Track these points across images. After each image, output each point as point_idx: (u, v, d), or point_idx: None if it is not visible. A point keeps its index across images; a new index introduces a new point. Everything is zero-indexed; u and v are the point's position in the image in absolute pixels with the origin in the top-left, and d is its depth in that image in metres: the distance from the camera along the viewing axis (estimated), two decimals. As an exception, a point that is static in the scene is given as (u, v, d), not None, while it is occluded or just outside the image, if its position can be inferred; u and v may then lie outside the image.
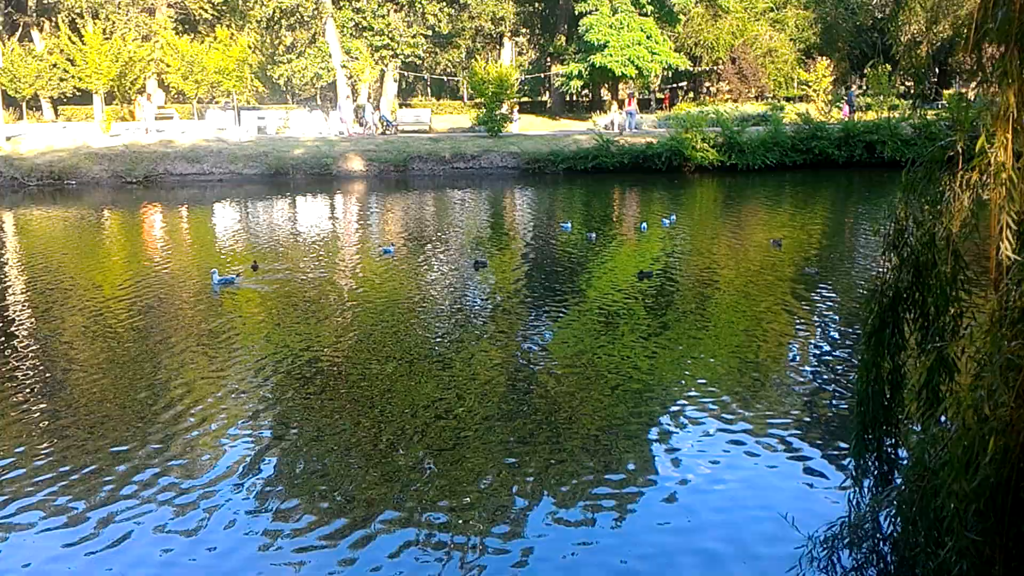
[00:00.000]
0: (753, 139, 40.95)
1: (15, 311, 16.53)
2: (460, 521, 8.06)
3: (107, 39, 52.08)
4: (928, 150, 5.89)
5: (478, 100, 48.82)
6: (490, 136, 45.47)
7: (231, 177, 39.64)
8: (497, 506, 8.39)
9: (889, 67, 48.10)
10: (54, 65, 56.45)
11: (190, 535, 7.90)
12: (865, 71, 58.88)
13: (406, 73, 64.39)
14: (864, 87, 60.53)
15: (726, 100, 59.65)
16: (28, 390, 11.84)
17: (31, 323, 15.64)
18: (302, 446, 9.90)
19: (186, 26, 64.93)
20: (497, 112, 46.26)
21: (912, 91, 57.68)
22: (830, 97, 50.58)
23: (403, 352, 13.38)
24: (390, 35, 54.23)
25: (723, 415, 10.63)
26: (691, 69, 63.22)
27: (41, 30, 63.09)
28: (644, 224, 25.03)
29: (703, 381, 11.97)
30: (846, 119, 44.76)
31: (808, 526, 6.87)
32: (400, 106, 59.22)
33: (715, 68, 64.92)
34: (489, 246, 23.47)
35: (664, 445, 9.83)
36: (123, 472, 9.16)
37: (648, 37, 54.91)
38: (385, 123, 50.66)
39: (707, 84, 69.38)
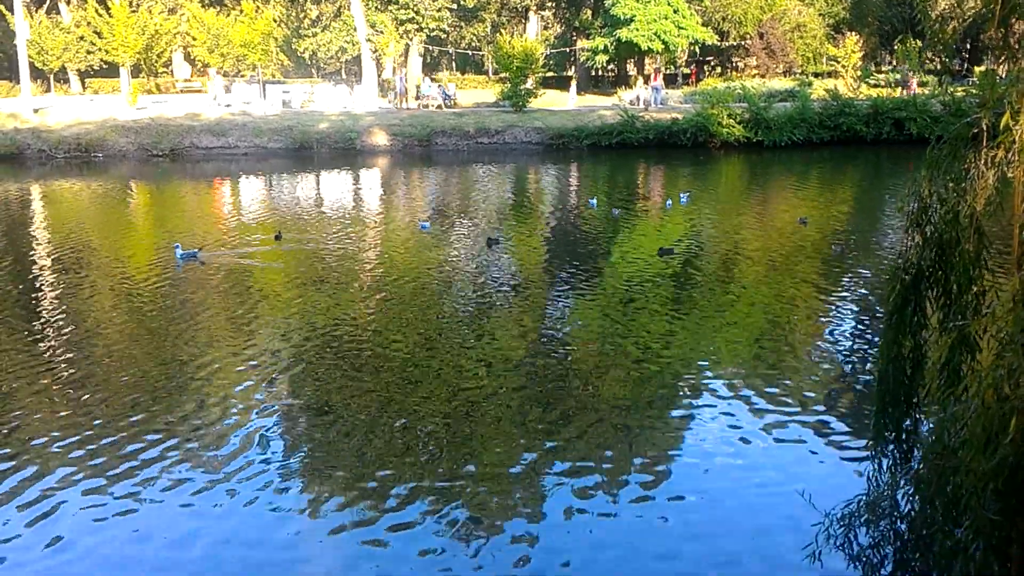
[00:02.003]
0: (780, 115, 40.57)
1: (42, 283, 16.72)
2: (480, 500, 8.11)
3: (134, 12, 52.20)
4: (953, 127, 5.82)
5: (503, 75, 48.58)
6: (514, 111, 45.30)
7: (256, 151, 39.76)
8: (518, 483, 8.43)
9: (919, 43, 47.41)
10: (81, 38, 56.68)
11: (213, 508, 8.01)
12: (894, 47, 58.13)
13: (431, 47, 64.17)
14: (893, 63, 59.76)
15: (753, 75, 59.06)
16: (53, 362, 11.99)
17: (57, 295, 15.81)
18: (324, 420, 9.98)
19: (212, -1, 65.00)
20: (522, 87, 46.04)
21: (942, 67, 56.89)
22: (859, 73, 49.95)
23: (425, 327, 13.44)
24: (415, 9, 54.02)
25: (743, 392, 10.62)
26: (718, 44, 62.60)
27: (69, 2, 63.28)
28: (669, 201, 24.93)
29: (724, 358, 11.95)
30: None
31: (825, 503, 6.86)
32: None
33: (743, 43, 64.23)
34: (512, 222, 23.47)
35: (684, 421, 9.84)
36: (146, 442, 9.28)
37: (675, 11, 54.36)
38: (444, 97, 50.26)
39: (734, 59, 68.65)
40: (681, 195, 25.21)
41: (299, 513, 7.88)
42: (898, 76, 49.89)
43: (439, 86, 52.29)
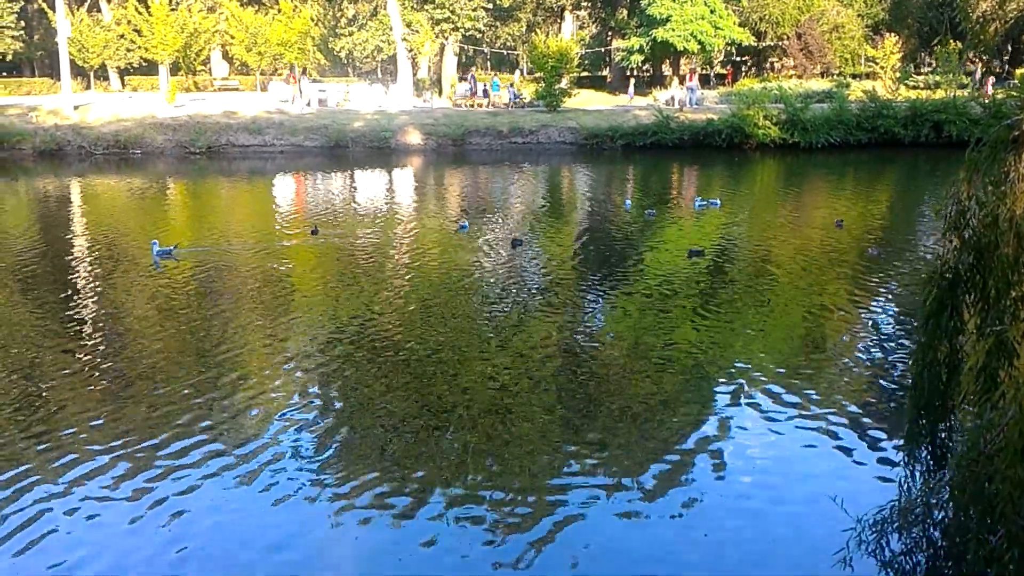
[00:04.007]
0: (817, 116, 40.23)
1: (81, 277, 16.95)
2: (510, 498, 8.08)
3: (173, 10, 52.77)
4: (992, 130, 5.74)
5: (537, 74, 48.58)
6: (548, 111, 45.27)
7: (292, 149, 40.07)
8: (547, 484, 8.40)
9: (959, 44, 46.78)
10: (121, 36, 57.35)
11: (239, 503, 8.06)
12: (934, 48, 57.46)
13: (466, 46, 64.30)
14: (932, 65, 59.05)
15: (790, 76, 58.60)
16: (90, 356, 12.13)
17: (95, 289, 16.02)
18: (352, 416, 10.02)
19: (250, -2, 65.60)
20: (556, 87, 46.00)
21: (982, 69, 56.14)
22: (898, 73, 49.40)
23: (456, 324, 13.46)
24: (451, 8, 54.15)
25: (774, 395, 10.53)
26: (755, 44, 62.19)
27: (109, 1, 64.15)
28: (706, 201, 24.77)
29: (757, 360, 11.86)
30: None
31: (857, 509, 6.79)
32: (459, 79, 59.18)
33: (780, 43, 63.74)
34: (544, 222, 23.47)
35: (715, 424, 9.77)
36: (179, 436, 9.36)
37: (712, 11, 54.09)
38: (512, 97, 50.14)
39: (771, 60, 68.15)
40: (696, 201, 24.92)
41: (325, 511, 7.90)
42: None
43: (509, 87, 52.17)
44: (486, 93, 51.97)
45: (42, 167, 36.19)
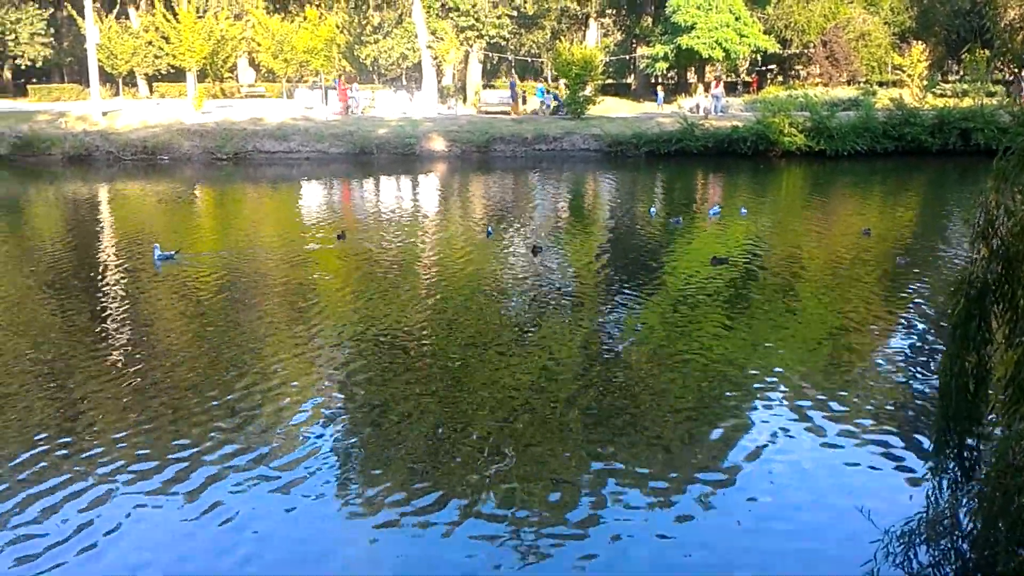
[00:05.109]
0: (843, 124, 39.96)
1: (110, 282, 17.08)
2: (534, 505, 8.09)
3: (200, 18, 53.23)
4: (1021, 138, 5.70)
5: (562, 81, 48.60)
6: (573, 118, 45.26)
7: (317, 156, 40.28)
8: (571, 491, 8.39)
9: (987, 52, 46.35)
10: (149, 43, 57.92)
11: (262, 505, 8.12)
12: (962, 56, 56.99)
13: (490, 54, 64.44)
14: (960, 73, 58.59)
15: (816, 84, 58.31)
16: (119, 360, 12.25)
17: (124, 293, 16.14)
18: (377, 422, 10.05)
19: (276, 5, 66.07)
20: (580, 94, 45.96)
21: (1010, 77, 55.59)
22: (925, 81, 49.00)
23: (481, 330, 13.47)
24: (476, 16, 54.31)
25: (800, 404, 10.47)
26: (780, 52, 61.91)
27: (137, 8, 64.82)
28: (720, 209, 24.68)
29: (782, 370, 11.79)
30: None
31: (885, 520, 6.75)
32: (484, 87, 59.32)
33: (806, 51, 63.46)
34: (568, 229, 23.48)
35: (741, 433, 9.73)
36: (206, 442, 9.43)
37: (737, 19, 53.91)
38: (557, 103, 50.14)
39: (797, 67, 67.84)
40: (712, 210, 24.76)
41: (346, 513, 7.96)
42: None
43: (553, 93, 52.10)
44: (525, 99, 51.95)
45: (71, 172, 36.59)
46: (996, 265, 5.92)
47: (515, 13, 58.60)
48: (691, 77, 65.82)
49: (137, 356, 12.31)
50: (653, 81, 62.59)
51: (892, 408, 10.55)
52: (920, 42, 54.56)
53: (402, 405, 10.46)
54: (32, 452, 9.13)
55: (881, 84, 57.32)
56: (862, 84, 57.62)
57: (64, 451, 9.19)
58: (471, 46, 56.99)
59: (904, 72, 52.58)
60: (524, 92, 53.16)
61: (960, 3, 63.47)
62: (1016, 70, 56.75)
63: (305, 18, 53.25)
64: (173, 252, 18.57)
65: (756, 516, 7.92)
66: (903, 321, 14.35)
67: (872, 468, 8.85)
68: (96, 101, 43.31)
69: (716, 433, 9.78)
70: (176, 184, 33.64)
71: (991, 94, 42.42)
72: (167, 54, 54.08)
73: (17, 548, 7.40)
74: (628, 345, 12.98)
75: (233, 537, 7.61)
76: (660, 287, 16.48)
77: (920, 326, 14.09)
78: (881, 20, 62.03)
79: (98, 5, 59.54)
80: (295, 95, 52.17)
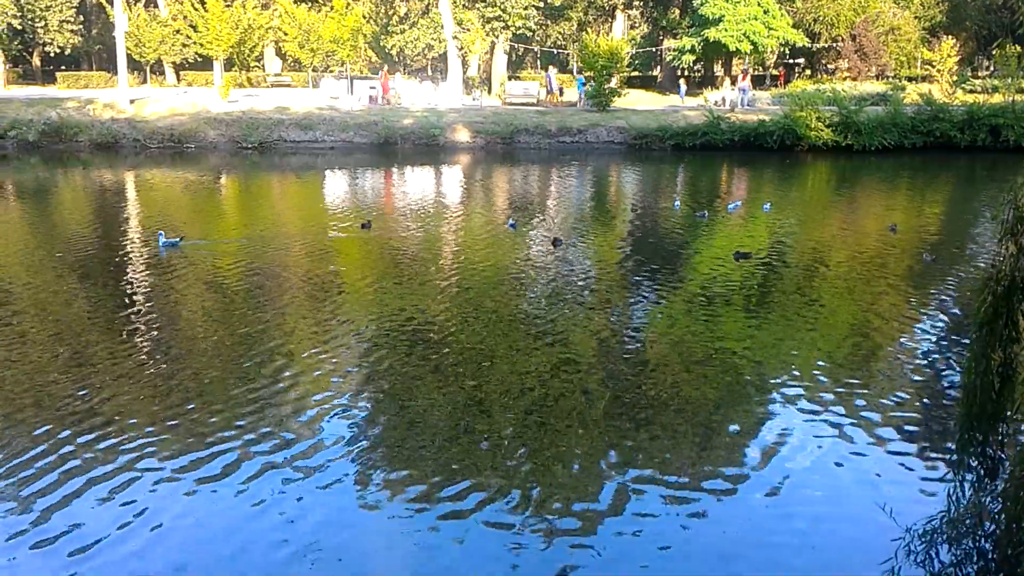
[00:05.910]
0: (871, 119, 39.64)
1: (135, 269, 17.21)
2: (551, 498, 8.09)
3: (228, 7, 53.48)
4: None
5: (588, 73, 48.44)
6: (598, 110, 45.11)
7: (342, 145, 40.41)
8: (590, 485, 8.39)
9: (1018, 48, 45.75)
10: (177, 31, 58.26)
11: (281, 497, 8.16)
12: (992, 52, 56.31)
13: (516, 45, 64.30)
14: (990, 68, 57.90)
15: (844, 78, 57.77)
16: (143, 349, 12.36)
17: (148, 280, 16.26)
18: (401, 410, 10.08)
19: (303, -5, 66.20)
20: (606, 86, 45.78)
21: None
22: (955, 77, 48.47)
23: (504, 322, 13.48)
24: (502, 7, 54.20)
25: (822, 401, 10.41)
26: (809, 46, 61.38)
27: (166, -4, 65.20)
28: (738, 204, 24.55)
29: (805, 366, 11.73)
30: None
31: (907, 518, 6.69)
32: (509, 78, 59.21)
33: (834, 45, 62.88)
34: (591, 222, 23.44)
35: (762, 428, 9.69)
36: (226, 432, 9.49)
37: (765, 12, 53.47)
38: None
39: (825, 61, 67.25)
40: (730, 204, 24.72)
41: (365, 506, 7.99)
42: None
43: (581, 85, 51.74)
44: (562, 91, 51.86)
45: (98, 159, 36.88)
46: (1024, 262, 5.84)
47: (542, 4, 58.39)
48: (718, 70, 65.40)
49: (162, 342, 12.41)
50: (679, 74, 62.27)
51: (915, 405, 10.46)
52: (950, 37, 53.93)
53: (425, 395, 10.49)
54: (60, 436, 9.23)
55: (910, 79, 56.78)
56: (891, 79, 57.09)
57: (90, 436, 9.26)
58: (497, 37, 56.86)
59: (934, 67, 52.05)
60: (562, 85, 53.03)
61: (992, -2, 62.78)
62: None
63: (332, 8, 53.38)
64: (177, 239, 18.72)
65: (776, 512, 7.89)
66: (928, 318, 14.22)
67: (894, 465, 8.79)
68: (124, 89, 43.60)
69: (736, 428, 9.74)
70: (202, 172, 33.85)
71: (1022, 90, 41.86)
72: (195, 43, 54.43)
73: (49, 535, 7.48)
74: (649, 338, 12.94)
75: (261, 521, 7.66)
76: (682, 281, 16.42)
77: (945, 323, 13.96)
78: (911, 14, 61.37)
79: (127, -7, 59.88)
80: (321, 85, 52.30)
